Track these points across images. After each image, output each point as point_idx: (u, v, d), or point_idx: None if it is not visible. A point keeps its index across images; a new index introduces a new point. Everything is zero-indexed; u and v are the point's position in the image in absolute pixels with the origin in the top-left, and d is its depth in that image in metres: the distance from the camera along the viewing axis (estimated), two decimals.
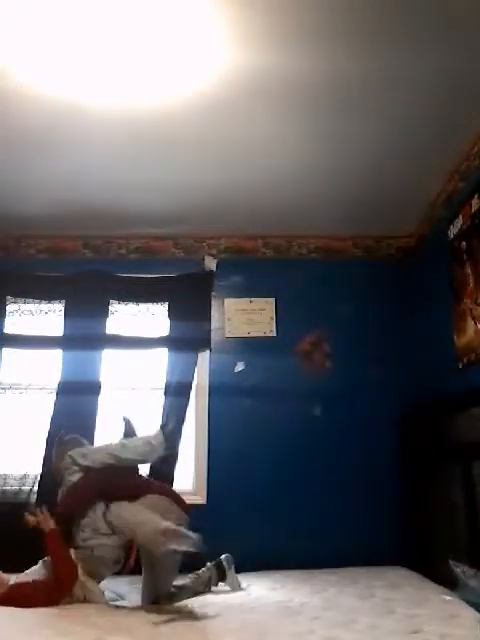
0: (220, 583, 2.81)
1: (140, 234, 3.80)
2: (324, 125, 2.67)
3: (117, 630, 2.04)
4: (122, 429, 2.99)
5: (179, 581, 2.62)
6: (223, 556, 2.90)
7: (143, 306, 3.78)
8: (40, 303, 3.74)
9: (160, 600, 2.47)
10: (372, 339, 3.72)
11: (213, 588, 2.74)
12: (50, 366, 3.62)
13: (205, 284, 3.76)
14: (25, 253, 3.82)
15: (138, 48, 2.16)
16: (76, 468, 2.72)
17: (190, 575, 2.74)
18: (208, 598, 2.57)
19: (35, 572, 2.50)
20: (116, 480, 2.70)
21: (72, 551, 2.52)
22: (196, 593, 2.63)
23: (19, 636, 1.93)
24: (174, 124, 2.62)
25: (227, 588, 2.81)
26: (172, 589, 2.55)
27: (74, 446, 2.85)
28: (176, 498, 2.73)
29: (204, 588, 2.70)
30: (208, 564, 2.83)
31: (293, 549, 3.26)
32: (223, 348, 3.71)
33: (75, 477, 2.71)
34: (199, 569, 2.78)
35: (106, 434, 3.49)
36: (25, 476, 3.38)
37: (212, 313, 3.73)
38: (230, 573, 2.87)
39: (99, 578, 2.55)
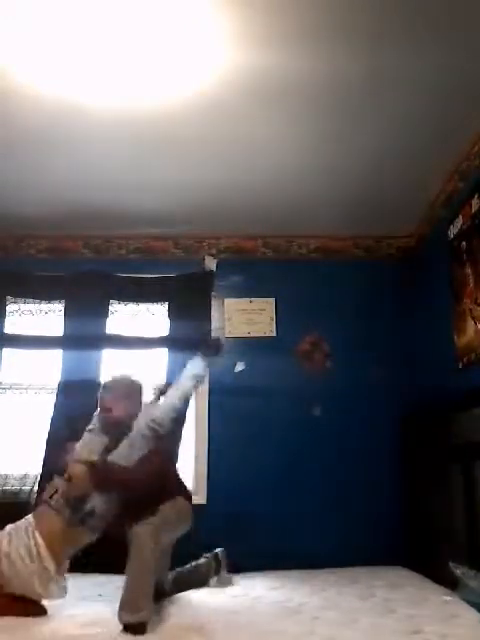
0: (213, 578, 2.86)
1: (140, 234, 3.80)
2: (324, 125, 2.67)
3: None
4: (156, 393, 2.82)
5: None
6: (219, 549, 2.96)
7: (143, 306, 3.78)
8: (40, 303, 3.74)
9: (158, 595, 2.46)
10: (372, 339, 3.72)
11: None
12: (50, 366, 3.62)
13: (205, 284, 3.75)
14: (25, 253, 3.82)
15: (138, 48, 2.16)
16: (152, 434, 2.50)
17: (187, 566, 2.80)
18: (207, 597, 2.57)
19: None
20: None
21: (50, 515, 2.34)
22: (193, 585, 2.69)
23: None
24: (174, 124, 2.62)
25: (218, 584, 2.84)
26: (168, 580, 2.58)
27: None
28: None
29: (202, 581, 2.76)
30: (206, 556, 2.90)
31: (293, 549, 3.25)
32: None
33: (149, 444, 2.48)
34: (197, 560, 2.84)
35: None
36: (25, 476, 3.38)
37: (212, 313, 3.73)
38: (223, 568, 2.91)
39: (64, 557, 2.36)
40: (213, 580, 2.86)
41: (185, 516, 2.57)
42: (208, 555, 2.92)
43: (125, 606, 2.09)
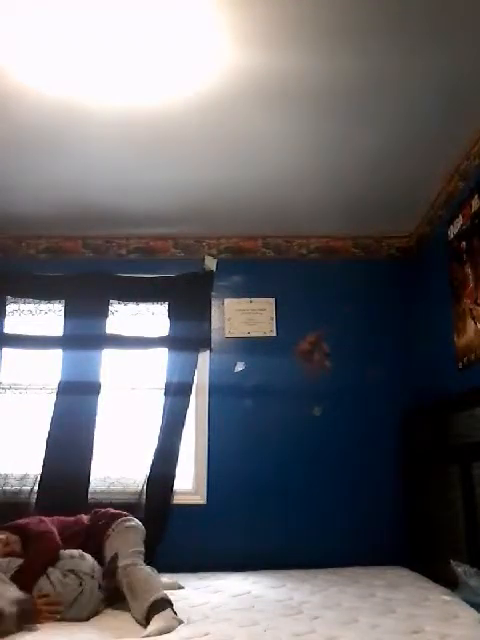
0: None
1: (140, 234, 3.80)
2: (324, 125, 2.67)
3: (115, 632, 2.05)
4: None
5: None
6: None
7: (143, 306, 3.78)
8: (40, 303, 3.74)
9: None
10: (372, 339, 3.72)
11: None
12: (50, 366, 3.62)
13: (205, 284, 3.76)
14: (25, 253, 3.82)
15: (138, 48, 2.17)
16: None
17: None
18: (207, 596, 2.57)
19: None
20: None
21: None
22: None
23: None
24: (174, 124, 2.63)
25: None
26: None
27: None
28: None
29: None
30: None
31: (293, 549, 3.26)
32: (223, 348, 3.71)
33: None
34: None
35: (105, 434, 3.50)
36: (25, 476, 3.38)
37: (212, 313, 3.73)
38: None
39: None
40: None
41: (140, 529, 2.68)
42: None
43: (145, 599, 2.19)
